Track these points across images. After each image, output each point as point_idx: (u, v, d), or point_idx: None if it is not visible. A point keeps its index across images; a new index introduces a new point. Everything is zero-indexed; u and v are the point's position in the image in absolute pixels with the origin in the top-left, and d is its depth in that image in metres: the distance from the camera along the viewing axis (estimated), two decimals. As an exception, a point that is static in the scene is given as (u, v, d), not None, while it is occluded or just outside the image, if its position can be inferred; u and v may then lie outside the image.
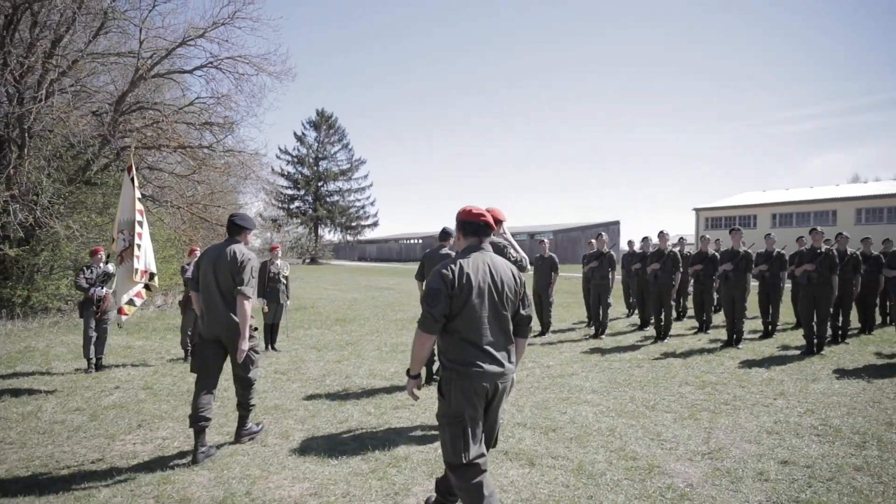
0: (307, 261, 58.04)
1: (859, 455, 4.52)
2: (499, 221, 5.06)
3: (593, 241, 11.27)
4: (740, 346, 9.28)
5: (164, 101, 14.91)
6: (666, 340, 9.88)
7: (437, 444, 4.75)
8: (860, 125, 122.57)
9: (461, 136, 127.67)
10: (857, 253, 9.99)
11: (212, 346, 4.58)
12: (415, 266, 50.36)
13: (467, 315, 3.04)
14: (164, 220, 15.56)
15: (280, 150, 60.92)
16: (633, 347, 9.39)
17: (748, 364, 7.97)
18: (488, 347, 3.05)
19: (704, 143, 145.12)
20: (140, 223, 7.24)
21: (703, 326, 10.92)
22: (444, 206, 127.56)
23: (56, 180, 12.44)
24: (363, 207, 62.06)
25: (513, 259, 4.39)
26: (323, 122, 61.02)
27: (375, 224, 62.51)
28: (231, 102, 15.96)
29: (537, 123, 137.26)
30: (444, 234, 6.56)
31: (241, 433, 4.84)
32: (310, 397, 6.39)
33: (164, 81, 15.33)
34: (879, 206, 37.79)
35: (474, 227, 3.26)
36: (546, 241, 11.46)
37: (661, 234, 10.37)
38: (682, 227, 56.26)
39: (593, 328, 10.83)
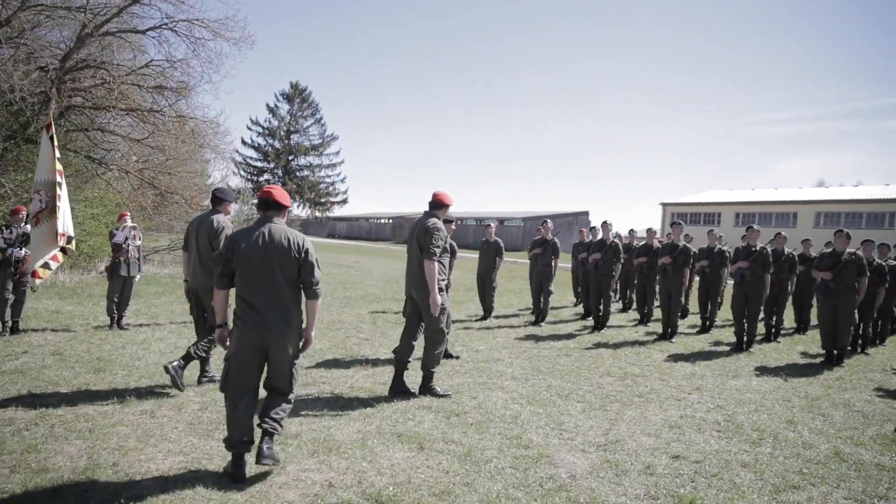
0: (274, 235, 57.20)
1: (752, 452, 4.56)
2: (444, 205, 5.68)
3: (540, 227, 11.21)
4: (674, 339, 9.34)
5: (117, 62, 14.34)
6: (602, 331, 9.91)
7: (330, 422, 4.68)
8: (831, 132, 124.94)
9: (436, 120, 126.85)
10: (793, 253, 10.10)
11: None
12: (382, 245, 50.08)
13: (240, 275, 3.67)
14: (112, 185, 15.10)
15: (251, 120, 59.85)
16: (568, 336, 9.40)
17: (675, 358, 8.03)
18: (257, 305, 3.61)
19: (678, 140, 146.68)
20: (59, 184, 6.96)
21: (644, 319, 10.99)
22: (416, 188, 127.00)
23: (-8, 136, 11.93)
24: (333, 184, 61.32)
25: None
26: (296, 95, 59.91)
27: (345, 201, 61.86)
28: (188, 67, 15.49)
29: (513, 112, 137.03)
30: (215, 199, 5.82)
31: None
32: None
33: (117, 41, 14.75)
34: (837, 210, 38.60)
35: (262, 202, 3.85)
36: (492, 225, 11.38)
37: (604, 224, 10.36)
38: (650, 221, 56.84)
39: (534, 315, 10.81)
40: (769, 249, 9.01)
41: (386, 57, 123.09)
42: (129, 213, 9.13)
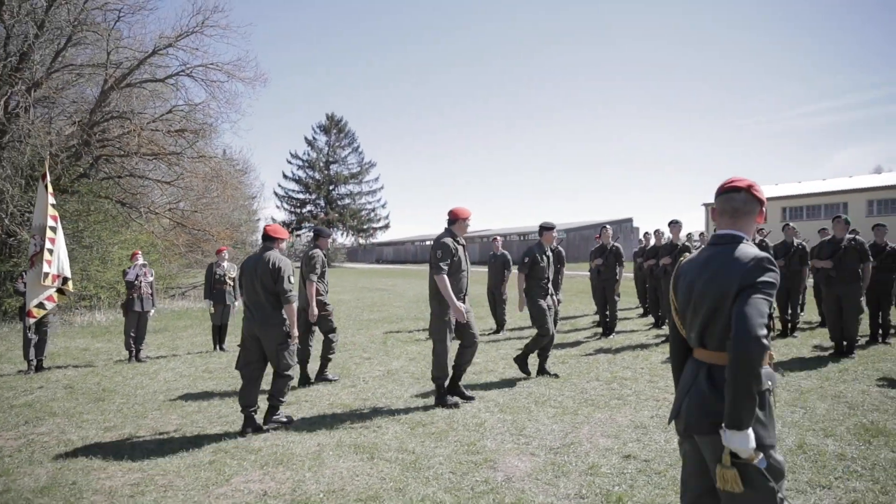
0: (320, 264, 58.54)
1: (709, 447, 4.50)
2: (458, 219, 5.90)
3: (597, 236, 10.67)
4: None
5: (140, 111, 15.23)
6: (612, 336, 9.82)
7: (294, 437, 4.88)
8: (886, 116, 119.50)
9: (473, 138, 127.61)
10: (803, 244, 9.80)
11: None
12: (426, 266, 50.51)
13: (244, 287, 5.33)
14: (143, 226, 15.92)
15: (291, 154, 61.66)
16: (574, 344, 9.36)
17: (673, 359, 7.90)
18: (250, 308, 5.23)
19: (729, 136, 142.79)
20: (53, 228, 7.47)
21: (658, 322, 10.83)
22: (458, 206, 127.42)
23: (28, 189, 12.82)
24: (374, 210, 62.43)
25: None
26: (333, 126, 61.52)
27: (387, 226, 62.84)
28: (209, 109, 16.34)
29: (549, 126, 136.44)
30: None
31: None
32: (223, 394, 6.55)
33: (142, 92, 15.67)
34: (891, 196, 36.89)
35: (262, 236, 5.47)
36: (498, 238, 11.49)
37: (604, 229, 10.30)
38: (696, 223, 55.69)
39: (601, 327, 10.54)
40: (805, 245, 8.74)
41: (420, 81, 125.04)
42: (139, 252, 9.66)
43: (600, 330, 10.36)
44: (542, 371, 7.11)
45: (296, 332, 5.31)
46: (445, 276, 5.63)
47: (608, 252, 10.00)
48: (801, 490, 3.70)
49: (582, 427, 5.09)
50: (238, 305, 10.46)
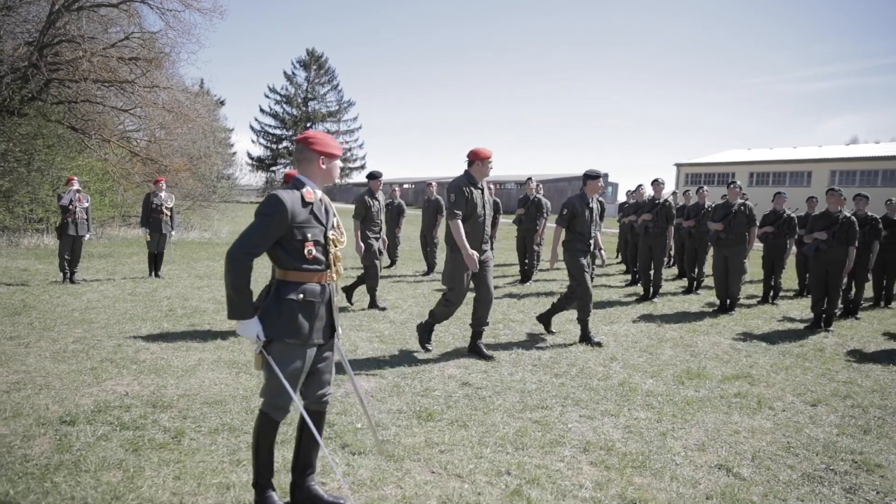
0: (293, 201, 58.51)
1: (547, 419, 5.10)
2: (477, 159, 5.45)
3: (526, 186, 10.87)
4: (656, 299, 9.26)
5: (92, 36, 15.11)
6: (655, 300, 9.30)
7: (183, 354, 5.40)
8: (877, 87, 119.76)
9: (454, 88, 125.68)
10: (791, 214, 9.52)
11: None
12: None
13: None
14: (95, 153, 16.01)
15: (269, 88, 60.77)
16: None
17: (647, 318, 8.50)
18: None
19: (721, 97, 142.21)
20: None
21: (635, 278, 10.85)
22: (438, 152, 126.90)
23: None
24: (350, 150, 62.03)
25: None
26: (313, 62, 60.42)
27: (363, 167, 62.60)
28: (166, 38, 16.26)
29: (532, 79, 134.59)
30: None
31: None
32: (134, 315, 7.03)
33: (94, 16, 15.49)
34: (853, 168, 37.73)
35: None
36: (434, 184, 11.92)
37: (655, 183, 9.59)
38: (669, 183, 56.17)
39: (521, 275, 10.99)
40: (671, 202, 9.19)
41: (403, 24, 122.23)
42: (75, 178, 9.92)
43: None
44: (585, 339, 6.43)
45: None
46: (459, 222, 5.34)
47: (530, 203, 10.47)
48: (590, 416, 4.29)
49: (439, 361, 5.60)
50: (174, 234, 10.86)
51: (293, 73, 60.67)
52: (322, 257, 2.76)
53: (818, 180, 38.48)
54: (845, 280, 8.16)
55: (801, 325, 7.87)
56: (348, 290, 8.06)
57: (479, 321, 5.72)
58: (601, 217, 7.00)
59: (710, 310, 8.70)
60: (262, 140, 60.48)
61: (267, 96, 60.66)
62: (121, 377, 4.68)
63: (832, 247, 7.51)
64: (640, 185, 11.62)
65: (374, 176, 8.04)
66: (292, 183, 2.78)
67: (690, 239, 10.43)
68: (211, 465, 3.27)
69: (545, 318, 6.88)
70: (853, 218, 7.61)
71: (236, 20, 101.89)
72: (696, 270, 10.49)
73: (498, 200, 10.29)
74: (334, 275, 2.83)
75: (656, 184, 9.53)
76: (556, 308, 6.82)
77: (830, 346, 6.74)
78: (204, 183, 22.48)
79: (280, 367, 2.63)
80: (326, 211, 2.83)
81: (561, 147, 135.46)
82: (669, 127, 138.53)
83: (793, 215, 9.47)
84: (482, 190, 5.54)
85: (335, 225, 2.87)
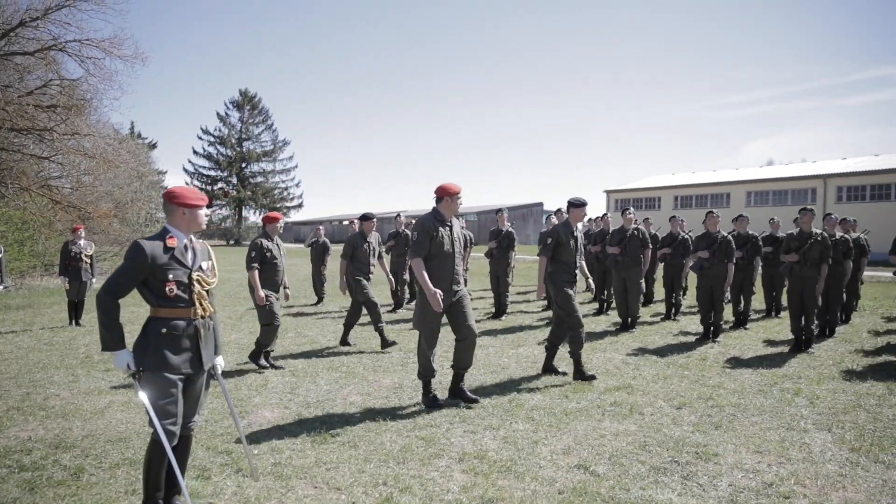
0: (231, 242, 57.76)
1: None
2: (445, 195, 5.26)
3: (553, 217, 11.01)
4: (634, 329, 9.30)
5: (7, 84, 14.99)
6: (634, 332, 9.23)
7: (84, 396, 5.53)
8: (797, 111, 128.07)
9: (388, 121, 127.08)
10: (687, 235, 10.15)
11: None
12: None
13: None
14: (12, 203, 15.71)
15: (202, 130, 60.07)
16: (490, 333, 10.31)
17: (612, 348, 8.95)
18: None
19: (649, 124, 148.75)
20: None
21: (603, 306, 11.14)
22: (375, 187, 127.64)
23: None
24: (287, 189, 61.91)
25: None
26: (246, 102, 60.30)
27: (300, 206, 62.48)
28: (87, 86, 16.23)
29: (461, 106, 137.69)
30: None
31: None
32: (47, 364, 7.06)
33: (10, 64, 15.37)
34: (766, 189, 40.19)
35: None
36: (321, 228, 12.60)
37: (625, 213, 9.88)
38: (597, 209, 58.32)
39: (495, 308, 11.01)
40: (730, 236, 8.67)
41: (333, 61, 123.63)
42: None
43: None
44: (579, 375, 6.20)
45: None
46: (420, 260, 5.15)
47: (502, 236, 10.45)
48: (473, 431, 4.69)
49: (343, 388, 5.93)
50: (94, 282, 10.81)
51: (227, 113, 60.42)
52: (184, 295, 3.08)
53: (736, 200, 40.81)
54: (728, 294, 8.93)
55: (693, 339, 8.54)
56: (344, 336, 8.10)
57: (461, 363, 5.39)
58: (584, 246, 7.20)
59: (614, 328, 9.32)
60: (196, 182, 59.54)
61: (200, 137, 60.11)
62: (26, 423, 4.80)
63: (714, 264, 8.26)
64: (605, 214, 11.95)
65: (366, 217, 8.07)
66: (160, 231, 3.14)
67: (598, 262, 11.09)
68: (108, 496, 3.49)
69: (548, 365, 6.50)
70: (730, 237, 8.40)
71: (167, 62, 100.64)
72: (605, 292, 11.18)
73: (470, 234, 10.48)
74: (200, 311, 3.14)
75: (625, 213, 9.76)
76: (551, 349, 6.51)
77: (713, 356, 7.40)
78: (132, 228, 22.16)
79: (150, 394, 2.95)
80: (195, 255, 3.17)
81: (499, 177, 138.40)
82: (600, 154, 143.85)
83: (687, 237, 10.09)
84: (450, 227, 5.32)
85: (206, 268, 3.21)
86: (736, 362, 7.05)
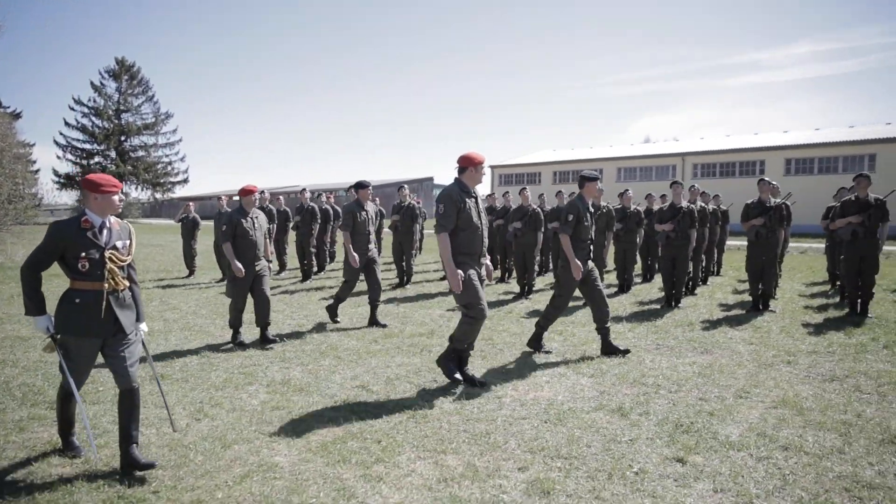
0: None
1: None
2: (467, 166, 5.06)
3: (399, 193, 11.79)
4: (530, 297, 10.10)
5: None
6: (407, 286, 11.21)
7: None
8: (684, 91, 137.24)
9: (278, 94, 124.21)
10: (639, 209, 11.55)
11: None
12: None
13: None
14: None
15: (74, 100, 56.46)
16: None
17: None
18: None
19: (541, 106, 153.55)
20: None
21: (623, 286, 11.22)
22: (264, 161, 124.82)
23: None
24: (171, 163, 59.64)
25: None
26: (124, 72, 57.12)
27: (185, 181, 60.44)
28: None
29: (353, 81, 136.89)
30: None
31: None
32: None
33: None
34: (633, 165, 43.76)
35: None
36: (223, 198, 13.05)
37: (402, 188, 11.60)
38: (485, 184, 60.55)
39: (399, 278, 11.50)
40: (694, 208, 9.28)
41: (219, 34, 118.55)
42: None
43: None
44: (607, 350, 6.10)
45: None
46: (446, 235, 4.92)
47: (404, 209, 11.41)
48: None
49: (274, 363, 6.66)
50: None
51: (102, 83, 56.99)
52: (97, 270, 3.50)
53: (608, 176, 44.10)
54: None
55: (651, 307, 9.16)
56: (332, 308, 7.95)
57: (462, 340, 5.21)
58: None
59: (511, 297, 10.25)
60: (69, 155, 56.15)
61: (73, 108, 56.38)
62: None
63: (677, 235, 8.96)
64: (506, 192, 12.65)
65: (361, 185, 7.73)
66: (78, 214, 3.57)
67: (499, 236, 11.99)
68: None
69: (535, 341, 6.36)
70: (693, 207, 9.11)
71: (33, 29, 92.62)
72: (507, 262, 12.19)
73: (381, 209, 11.18)
74: (112, 283, 3.54)
75: (523, 192, 10.61)
76: (542, 326, 6.33)
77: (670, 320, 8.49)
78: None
79: (64, 355, 3.55)
80: (110, 234, 3.59)
81: (385, 152, 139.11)
82: (490, 132, 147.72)
83: (539, 209, 10.51)
84: (476, 198, 5.11)
85: (121, 247, 3.63)
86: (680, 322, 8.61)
